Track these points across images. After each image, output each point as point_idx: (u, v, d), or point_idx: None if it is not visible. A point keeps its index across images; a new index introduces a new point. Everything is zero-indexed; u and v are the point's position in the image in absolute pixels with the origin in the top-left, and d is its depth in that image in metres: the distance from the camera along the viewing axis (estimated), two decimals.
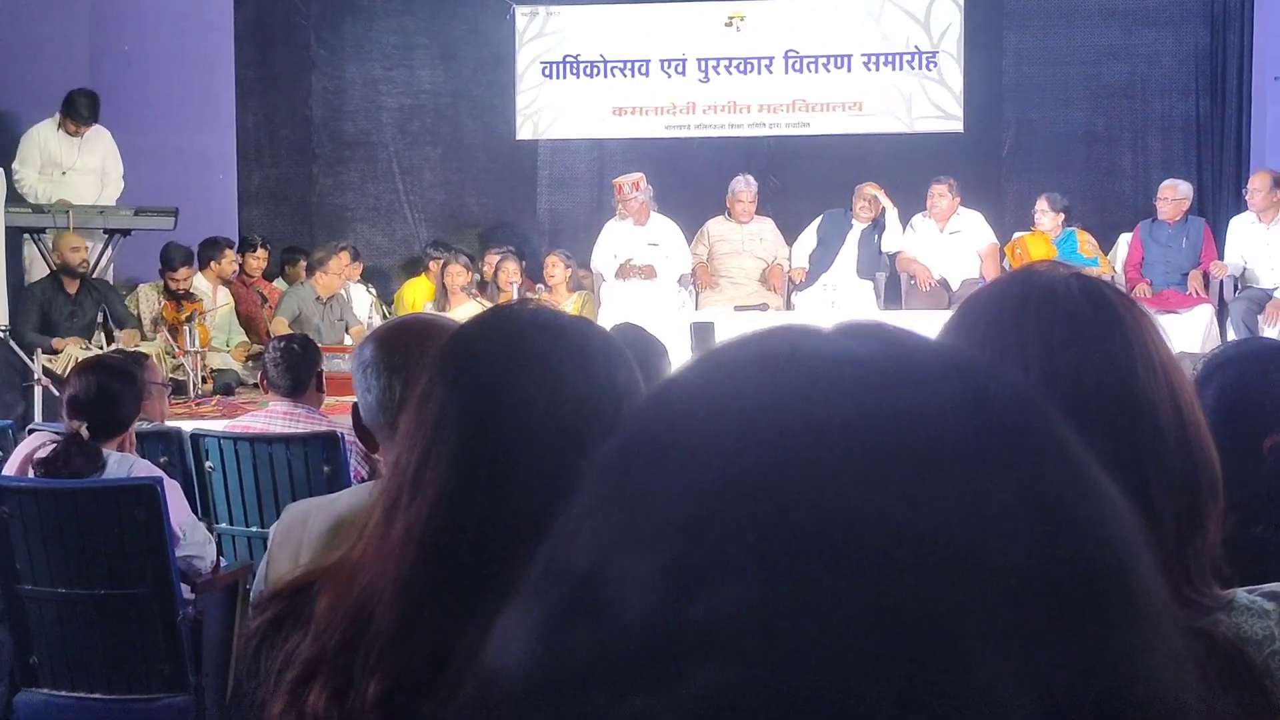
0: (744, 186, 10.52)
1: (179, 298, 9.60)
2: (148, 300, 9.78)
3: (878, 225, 10.37)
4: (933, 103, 11.65)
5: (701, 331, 6.88)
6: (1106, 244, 10.47)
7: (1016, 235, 10.45)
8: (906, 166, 10.89)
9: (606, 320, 9.18)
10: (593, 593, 0.58)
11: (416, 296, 10.87)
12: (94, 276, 9.47)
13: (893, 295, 10.42)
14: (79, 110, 9.82)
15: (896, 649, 0.53)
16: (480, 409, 1.47)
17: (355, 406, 2.34)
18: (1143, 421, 1.30)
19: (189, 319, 9.20)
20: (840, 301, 10.09)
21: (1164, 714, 0.56)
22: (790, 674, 0.53)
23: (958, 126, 11.63)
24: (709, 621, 0.54)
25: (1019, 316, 1.33)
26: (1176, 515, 1.28)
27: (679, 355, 4.92)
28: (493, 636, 0.64)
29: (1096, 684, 0.55)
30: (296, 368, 5.26)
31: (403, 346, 2.27)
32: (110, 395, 4.33)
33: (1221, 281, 9.90)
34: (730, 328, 8.50)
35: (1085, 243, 10.24)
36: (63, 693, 4.24)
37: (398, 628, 1.40)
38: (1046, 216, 10.20)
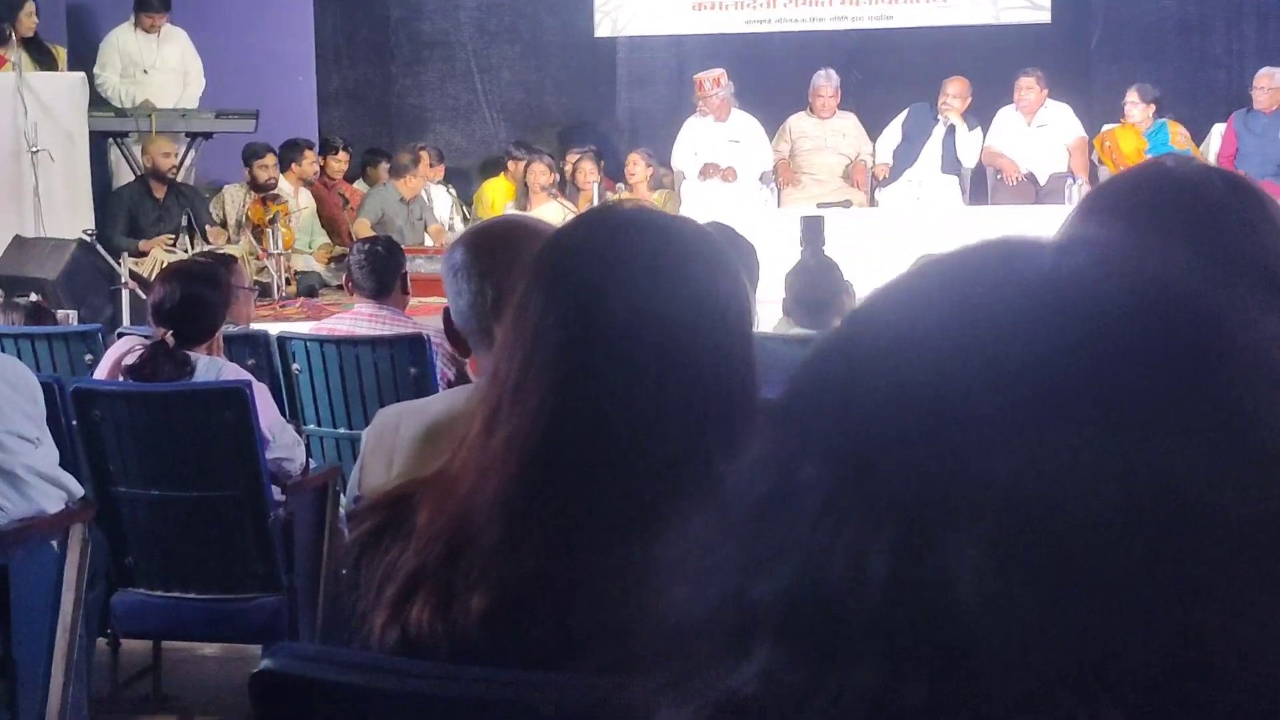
0: (825, 81, 10.36)
1: (265, 191, 9.61)
2: (233, 200, 9.80)
3: (964, 120, 10.19)
4: None
5: (811, 226, 6.77)
6: (1199, 136, 10.22)
7: (1106, 128, 10.23)
8: (992, 59, 10.65)
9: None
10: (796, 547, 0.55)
11: (496, 196, 10.83)
12: (180, 180, 9.52)
13: (978, 190, 10.26)
14: (145, 3, 9.83)
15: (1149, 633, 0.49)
16: (580, 316, 1.43)
17: (446, 310, 2.30)
18: None
19: (273, 220, 9.23)
20: (925, 197, 9.94)
21: None
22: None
23: (1045, 17, 11.34)
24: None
25: (1158, 214, 1.27)
26: None
27: (765, 253, 4.85)
28: (663, 567, 0.60)
29: None
30: (381, 270, 5.24)
31: (493, 250, 2.23)
32: (196, 302, 4.33)
33: None
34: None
35: (1177, 134, 10.01)
36: (158, 593, 4.30)
37: (500, 542, 1.37)
38: (1137, 108, 9.96)
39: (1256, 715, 0.50)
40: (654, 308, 1.41)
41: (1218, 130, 10.18)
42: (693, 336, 1.41)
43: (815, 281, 5.00)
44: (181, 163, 9.74)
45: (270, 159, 9.68)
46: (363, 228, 9.61)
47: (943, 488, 0.52)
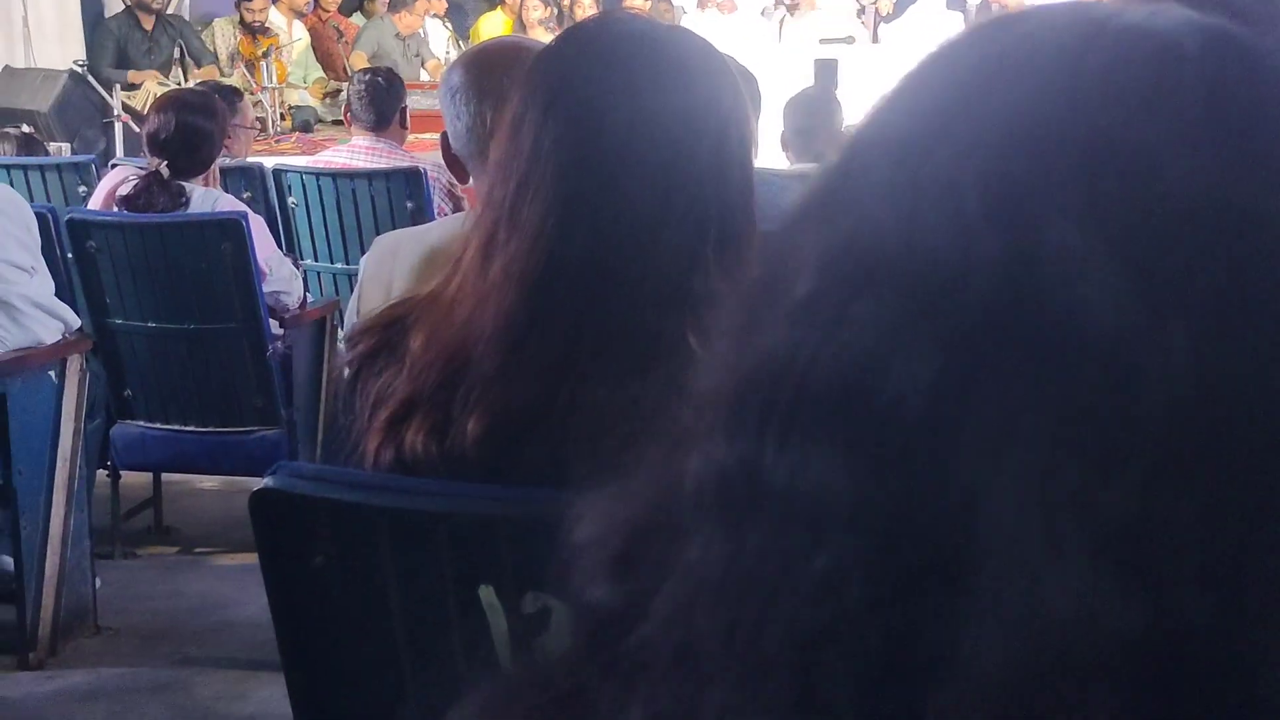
0: None
1: (255, 31, 9.46)
2: (224, 35, 9.63)
3: None
4: None
5: (824, 69, 6.66)
6: None
7: None
8: None
9: None
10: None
11: (493, 29, 10.65)
12: (169, 12, 9.34)
13: None
14: None
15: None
16: (577, 135, 1.39)
17: (444, 136, 2.26)
18: None
19: (265, 54, 9.08)
20: (929, 35, 9.79)
21: None
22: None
23: None
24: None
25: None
26: None
27: (767, 88, 4.78)
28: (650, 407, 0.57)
29: None
30: (380, 101, 5.17)
31: (493, 70, 2.18)
32: (191, 132, 4.27)
33: None
34: (813, 63, 8.29)
35: None
36: (157, 425, 4.30)
37: (499, 367, 1.36)
38: None
39: None
40: (654, 122, 1.37)
41: None
42: (694, 151, 1.38)
43: (814, 109, 4.92)
44: None
45: (259, 2, 9.48)
46: (359, 61, 9.46)
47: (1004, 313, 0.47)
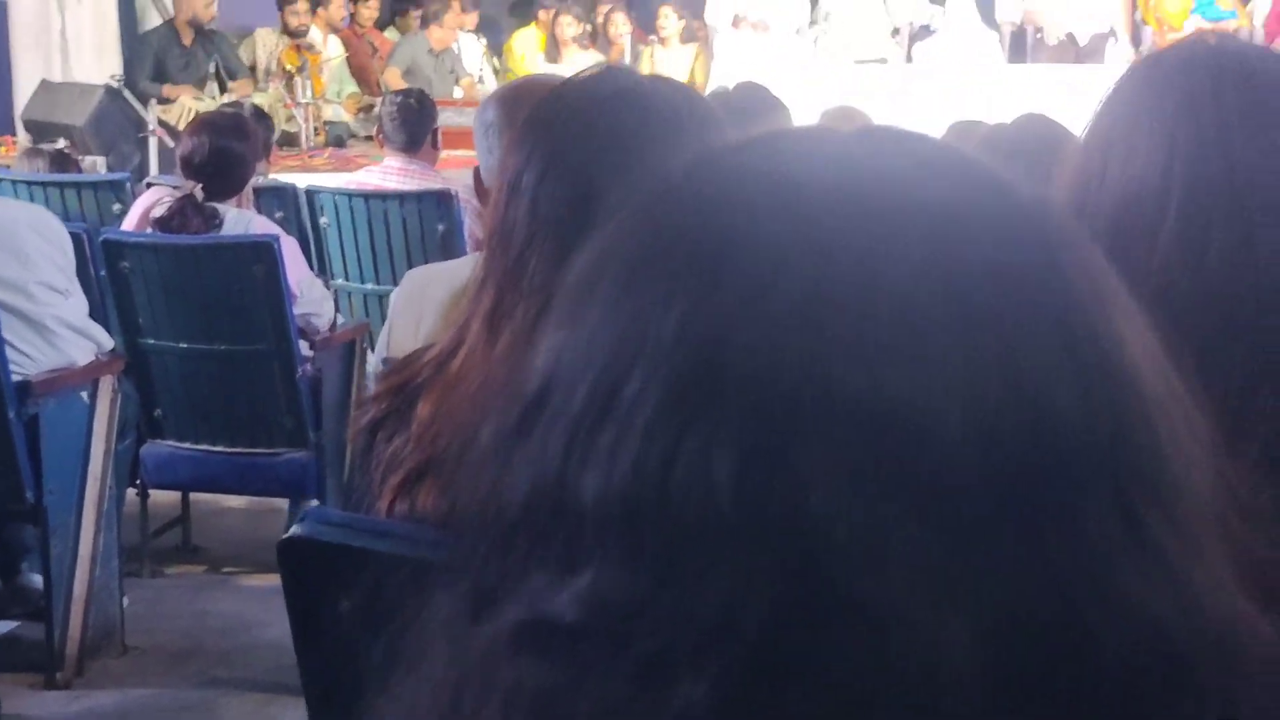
0: None
1: (297, 37, 9.49)
2: (265, 45, 9.67)
3: None
4: None
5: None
6: None
7: None
8: None
9: (721, 75, 8.97)
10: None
11: (526, 47, 10.69)
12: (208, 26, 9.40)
13: (1018, 48, 10.07)
14: None
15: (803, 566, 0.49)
16: (574, 197, 1.39)
17: (476, 170, 2.28)
18: None
19: (301, 69, 9.12)
20: (964, 54, 9.77)
21: (1131, 627, 0.50)
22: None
23: None
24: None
25: (1215, 92, 1.21)
26: None
27: (799, 111, 4.78)
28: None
29: (1057, 585, 0.50)
30: (413, 123, 5.19)
31: (526, 109, 2.19)
32: (225, 155, 4.29)
33: None
34: (847, 83, 8.29)
35: None
36: (187, 445, 4.32)
37: None
38: None
39: (1127, 660, 0.50)
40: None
41: None
42: None
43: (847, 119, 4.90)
44: None
45: (302, 4, 9.53)
46: (393, 77, 9.50)
47: (800, 395, 0.50)
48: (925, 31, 10.01)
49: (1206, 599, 0.52)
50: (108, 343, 3.95)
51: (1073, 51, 9.79)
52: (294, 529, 1.45)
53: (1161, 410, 0.53)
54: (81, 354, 3.84)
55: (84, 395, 3.84)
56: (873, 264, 0.52)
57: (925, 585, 0.49)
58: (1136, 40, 9.59)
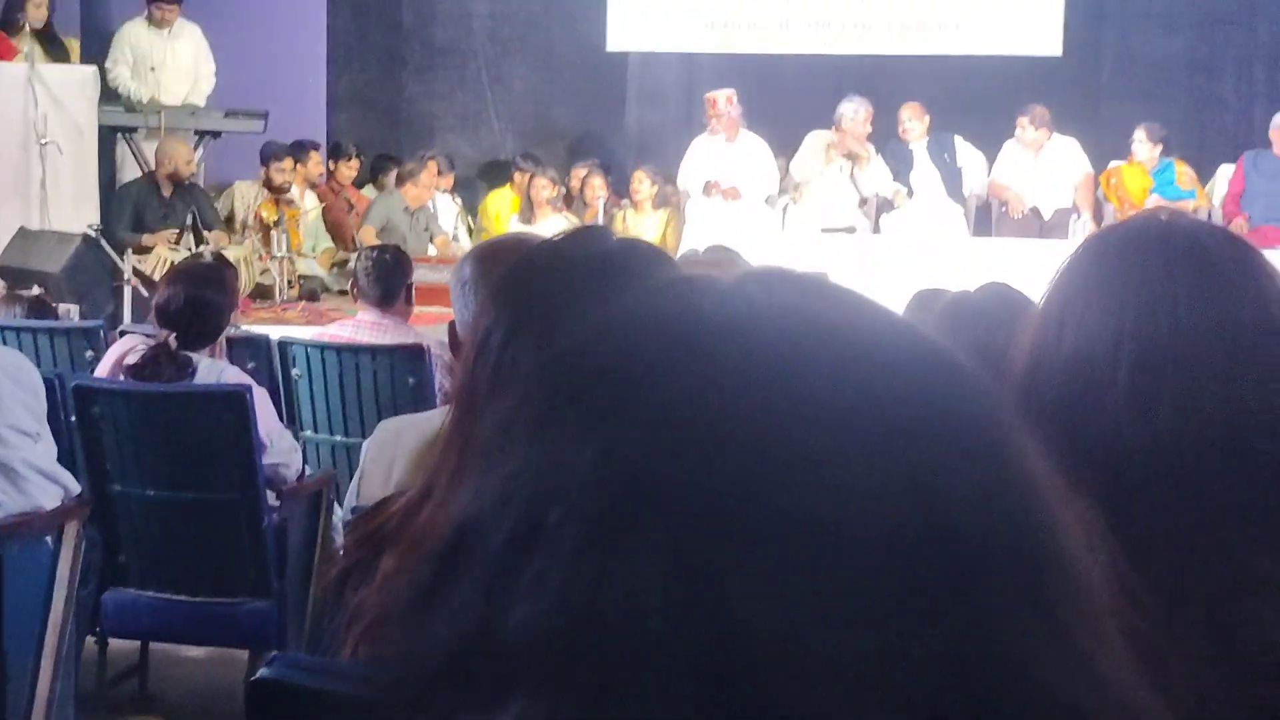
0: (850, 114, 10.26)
1: (279, 193, 9.61)
2: (243, 197, 9.79)
3: (942, 143, 10.22)
4: (1031, 25, 11.39)
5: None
6: (1204, 177, 10.24)
7: (1112, 165, 10.26)
8: (1001, 90, 10.67)
9: (692, 239, 9.11)
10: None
11: (501, 208, 10.85)
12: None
13: (983, 221, 10.27)
14: None
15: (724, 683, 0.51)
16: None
17: (452, 324, 2.32)
18: None
19: (278, 222, 9.23)
20: (930, 226, 9.95)
21: (1051, 715, 0.53)
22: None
23: (1056, 50, 11.36)
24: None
25: (1165, 267, 1.28)
26: None
27: None
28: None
29: (972, 669, 0.52)
30: (388, 278, 5.26)
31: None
32: (201, 305, 4.34)
33: None
34: (816, 253, 8.42)
35: (1183, 175, 10.04)
36: (149, 592, 4.30)
37: None
38: (1144, 146, 10.00)
39: None
40: None
41: (1223, 172, 10.20)
42: None
43: None
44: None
45: (287, 163, 9.68)
46: (368, 234, 9.62)
47: (719, 515, 0.52)
48: (891, 204, 10.19)
49: (1115, 684, 0.54)
50: (75, 488, 3.95)
51: (1037, 226, 9.99)
52: (263, 671, 1.46)
53: (1061, 515, 0.56)
54: (48, 499, 3.83)
55: (49, 540, 3.83)
56: (781, 392, 0.54)
57: (850, 691, 0.51)
58: (1099, 216, 9.80)
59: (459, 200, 11.12)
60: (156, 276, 7.52)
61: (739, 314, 0.57)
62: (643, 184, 10.30)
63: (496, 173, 11.68)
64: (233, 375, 4.38)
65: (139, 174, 9.46)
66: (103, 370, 4.58)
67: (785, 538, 0.52)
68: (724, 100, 10.23)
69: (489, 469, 0.57)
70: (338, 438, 5.23)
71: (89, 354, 5.25)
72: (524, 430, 0.57)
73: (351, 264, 7.07)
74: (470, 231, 10.82)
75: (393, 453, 2.32)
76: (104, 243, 7.88)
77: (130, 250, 8.06)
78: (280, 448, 4.33)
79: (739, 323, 0.57)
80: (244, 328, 6.34)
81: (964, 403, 0.57)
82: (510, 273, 1.56)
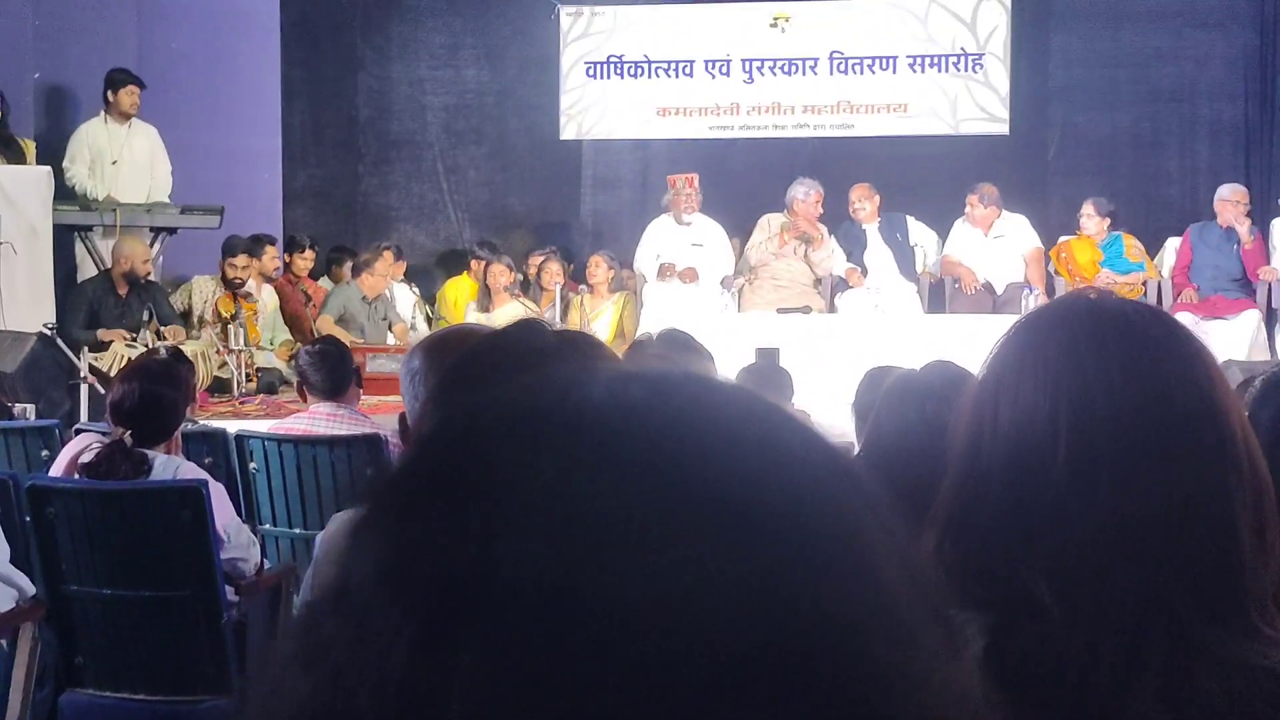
0: (802, 196, 10.39)
1: (235, 289, 9.62)
2: (201, 292, 9.80)
3: (894, 223, 10.36)
4: (978, 105, 11.58)
5: (766, 357, 6.78)
6: (1152, 249, 10.39)
7: (1062, 239, 10.40)
8: (951, 169, 10.84)
9: (648, 322, 9.17)
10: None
11: (459, 295, 10.89)
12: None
13: (936, 299, 10.38)
14: (119, 81, 9.84)
15: None
16: None
17: (403, 414, 2.34)
18: (1227, 442, 1.28)
19: (234, 317, 9.24)
20: (885, 304, 10.04)
21: None
22: None
23: (1003, 129, 11.55)
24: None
25: (1097, 344, 1.31)
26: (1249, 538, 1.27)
27: (722, 359, 4.90)
28: None
29: None
30: (335, 370, 5.27)
31: (450, 356, 2.26)
32: (156, 401, 4.33)
33: (1270, 286, 9.81)
34: (771, 332, 8.48)
35: (1131, 247, 10.18)
36: (107, 693, 4.25)
37: None
38: (1092, 221, 10.14)
39: None
40: None
41: (1171, 244, 10.35)
42: None
43: (763, 380, 5.02)
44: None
45: (243, 259, 9.70)
46: (325, 324, 9.64)
47: (461, 586, 0.53)
48: (845, 284, 10.29)
49: None
50: (30, 589, 3.92)
51: (990, 302, 10.09)
52: None
53: (905, 607, 0.56)
54: (3, 601, 3.81)
55: (3, 643, 3.80)
56: (604, 484, 0.55)
57: None
58: (1050, 291, 9.91)
59: (416, 289, 11.17)
60: (113, 374, 7.49)
61: (601, 409, 0.58)
62: (599, 269, 10.37)
63: (454, 261, 11.75)
64: (189, 471, 4.37)
65: (95, 272, 9.46)
66: (58, 469, 4.55)
67: (627, 631, 0.52)
68: (684, 181, 10.43)
69: (357, 549, 0.60)
70: (297, 530, 5.22)
71: (44, 453, 5.23)
72: (380, 517, 0.60)
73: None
74: (429, 320, 10.86)
75: (345, 545, 2.33)
76: (59, 341, 7.86)
77: (86, 348, 8.04)
78: (238, 542, 4.31)
79: (595, 418, 0.58)
80: (202, 422, 6.33)
81: (820, 509, 0.56)
82: (455, 365, 1.58)
